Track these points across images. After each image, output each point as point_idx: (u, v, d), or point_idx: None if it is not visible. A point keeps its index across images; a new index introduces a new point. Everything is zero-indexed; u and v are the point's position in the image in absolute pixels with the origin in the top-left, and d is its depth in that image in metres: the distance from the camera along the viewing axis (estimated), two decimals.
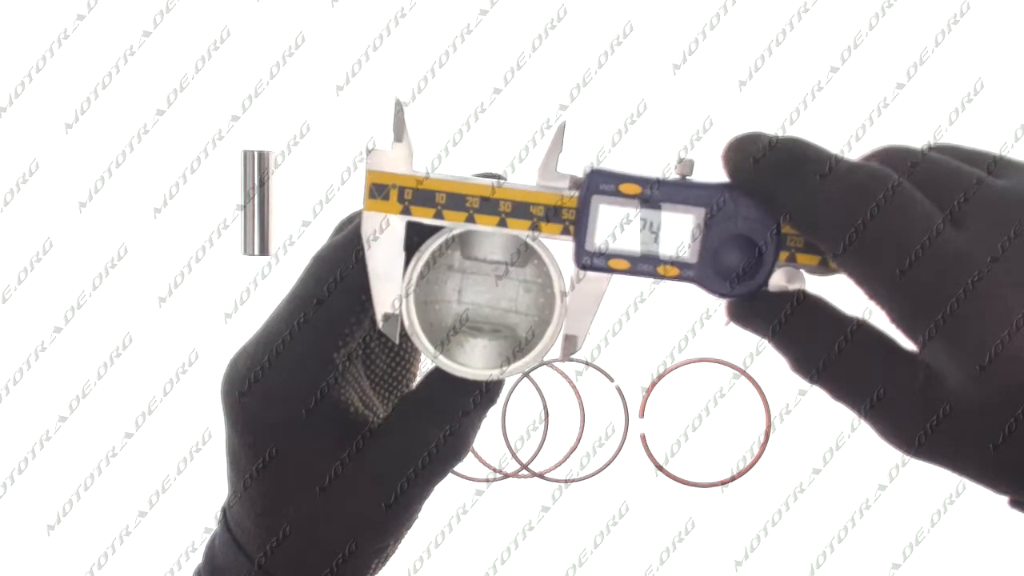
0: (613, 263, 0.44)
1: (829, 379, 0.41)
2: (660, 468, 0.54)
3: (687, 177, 0.44)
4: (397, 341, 0.45)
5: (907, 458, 0.41)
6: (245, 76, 0.93)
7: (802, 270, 0.44)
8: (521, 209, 0.44)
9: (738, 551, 0.89)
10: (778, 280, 0.43)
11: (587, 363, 0.53)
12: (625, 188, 0.44)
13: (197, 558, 0.50)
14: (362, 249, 0.44)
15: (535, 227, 0.44)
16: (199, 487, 0.90)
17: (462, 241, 0.47)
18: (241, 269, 0.91)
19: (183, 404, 0.92)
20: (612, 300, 0.53)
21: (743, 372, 0.54)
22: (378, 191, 0.44)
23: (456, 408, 0.46)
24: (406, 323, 0.45)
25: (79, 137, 0.94)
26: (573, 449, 0.54)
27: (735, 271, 0.43)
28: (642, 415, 0.53)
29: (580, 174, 0.44)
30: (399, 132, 0.44)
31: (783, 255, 0.43)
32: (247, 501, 0.46)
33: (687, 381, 0.57)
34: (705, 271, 0.43)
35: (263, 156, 0.93)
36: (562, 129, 0.44)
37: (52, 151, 0.94)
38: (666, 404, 0.52)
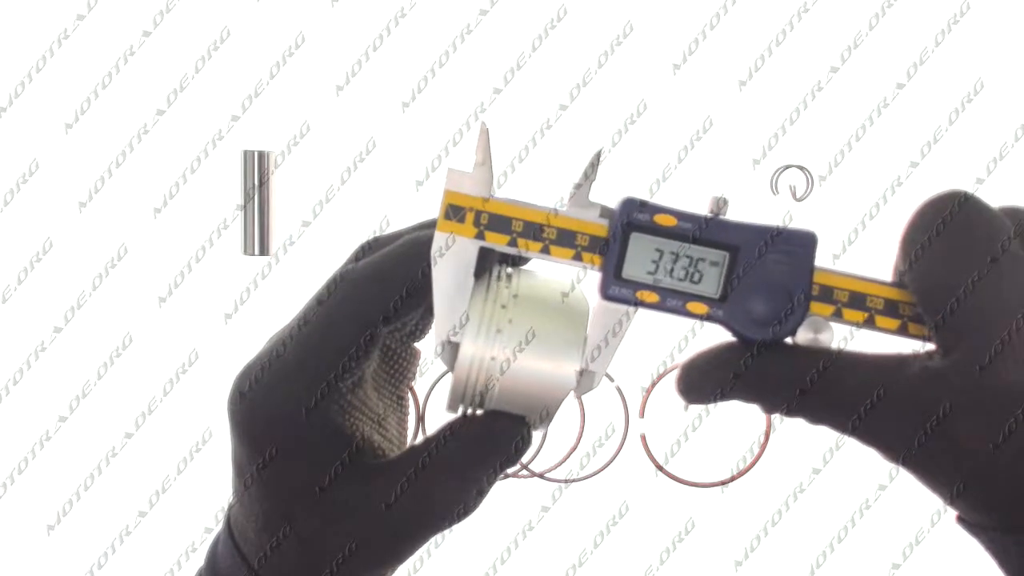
0: (641, 295, 0.43)
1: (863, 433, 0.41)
2: (660, 468, 0.54)
3: (719, 215, 0.42)
4: (452, 370, 0.43)
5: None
6: (245, 76, 0.92)
7: (830, 322, 0.42)
8: (598, 245, 0.43)
9: (738, 551, 0.89)
10: (805, 331, 0.42)
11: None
12: (660, 219, 0.42)
13: (197, 558, 0.50)
14: (388, 283, 0.43)
15: (578, 256, 0.43)
16: (199, 487, 0.90)
17: None
18: (241, 269, 0.91)
19: (183, 404, 0.92)
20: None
21: None
22: (454, 212, 0.43)
23: (469, 469, 0.45)
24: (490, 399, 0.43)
25: (79, 137, 0.94)
26: (573, 449, 0.54)
27: (764, 317, 0.42)
28: (642, 415, 0.53)
29: (609, 203, 0.43)
30: (483, 156, 0.43)
31: (862, 315, 0.42)
32: (249, 512, 0.46)
33: None
34: (734, 313, 0.42)
35: (263, 156, 0.93)
36: (597, 157, 0.43)
37: (52, 151, 0.94)
38: (666, 404, 0.52)
